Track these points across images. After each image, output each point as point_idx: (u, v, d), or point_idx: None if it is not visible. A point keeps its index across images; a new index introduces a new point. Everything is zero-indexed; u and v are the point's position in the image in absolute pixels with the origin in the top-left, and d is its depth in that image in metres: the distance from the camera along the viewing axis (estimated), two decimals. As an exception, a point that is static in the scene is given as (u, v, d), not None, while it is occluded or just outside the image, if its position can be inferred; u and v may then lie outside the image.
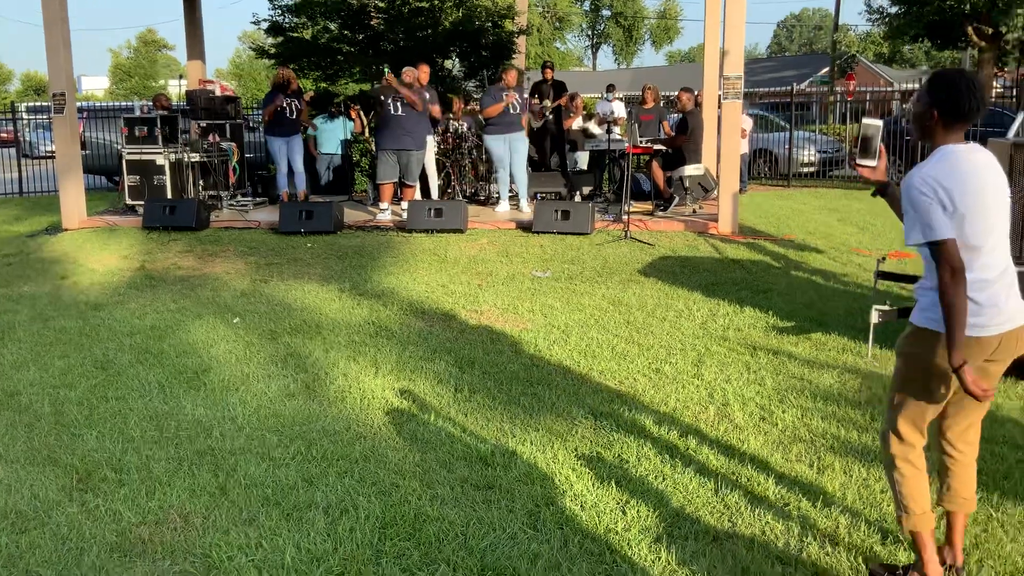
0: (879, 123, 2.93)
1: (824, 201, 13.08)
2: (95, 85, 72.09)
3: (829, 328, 5.97)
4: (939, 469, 2.89)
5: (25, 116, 21.13)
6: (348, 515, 3.37)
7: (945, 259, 2.55)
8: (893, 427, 2.80)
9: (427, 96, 10.39)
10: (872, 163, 2.91)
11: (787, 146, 16.12)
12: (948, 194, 2.57)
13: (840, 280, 7.53)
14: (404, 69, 10.07)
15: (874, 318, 5.18)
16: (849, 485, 3.58)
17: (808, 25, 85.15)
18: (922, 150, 12.00)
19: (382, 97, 9.98)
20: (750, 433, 4.18)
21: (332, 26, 15.73)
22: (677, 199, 10.72)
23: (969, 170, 2.62)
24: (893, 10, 24.62)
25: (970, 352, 2.62)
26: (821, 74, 37.58)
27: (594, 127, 12.82)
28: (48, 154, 16.65)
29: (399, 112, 9.84)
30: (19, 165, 16.15)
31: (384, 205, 10.39)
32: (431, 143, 10.85)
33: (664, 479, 3.68)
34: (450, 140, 11.63)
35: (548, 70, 13.28)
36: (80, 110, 14.93)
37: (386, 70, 10.27)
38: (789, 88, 17.47)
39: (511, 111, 10.21)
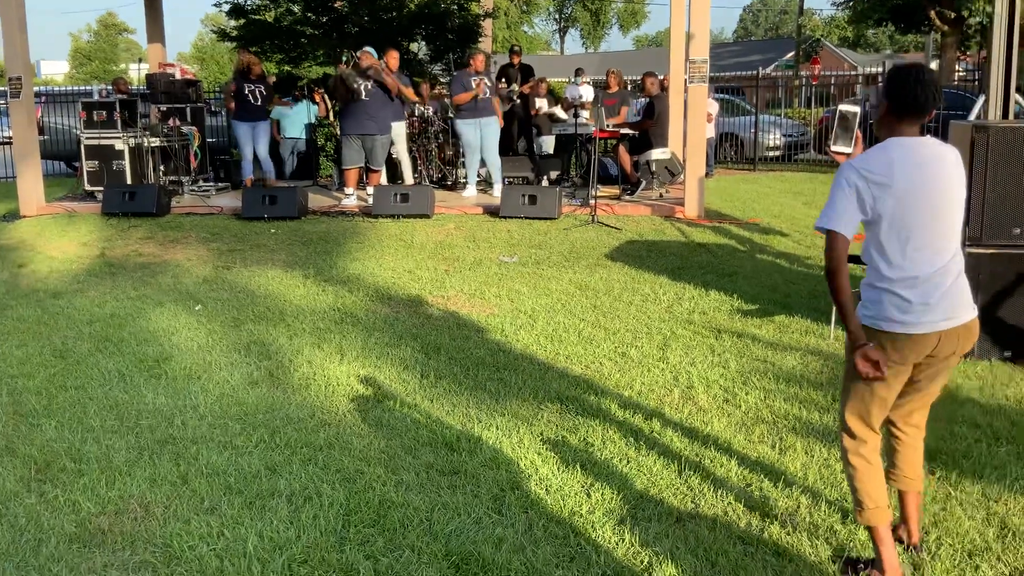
0: (856, 109, 2.91)
1: (789, 185, 13.19)
2: (55, 70, 70.62)
3: (793, 311, 6.03)
4: (886, 449, 2.93)
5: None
6: (311, 502, 3.35)
7: (830, 250, 2.62)
8: (842, 421, 2.83)
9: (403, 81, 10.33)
10: (848, 149, 2.90)
11: (753, 130, 16.22)
12: (879, 186, 2.57)
13: (804, 263, 7.60)
14: (361, 51, 9.95)
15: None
16: (810, 465, 3.62)
17: (774, 10, 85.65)
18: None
19: (349, 82, 9.87)
20: (714, 415, 4.21)
21: (295, 8, 15.53)
22: (644, 183, 10.75)
23: (909, 162, 2.60)
24: (857, -6, 24.84)
25: (902, 349, 2.64)
26: (787, 58, 37.82)
27: (560, 112, 12.80)
28: (5, 140, 16.32)
29: (364, 97, 9.74)
30: (-25, 151, 15.79)
31: (349, 190, 10.30)
32: (402, 128, 10.76)
33: (629, 462, 3.69)
34: (416, 124, 11.55)
35: (515, 55, 13.25)
36: (37, 95, 14.62)
37: (344, 58, 10.16)
38: (755, 72, 17.56)
39: (483, 95, 10.16)
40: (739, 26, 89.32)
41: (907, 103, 2.61)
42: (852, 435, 2.79)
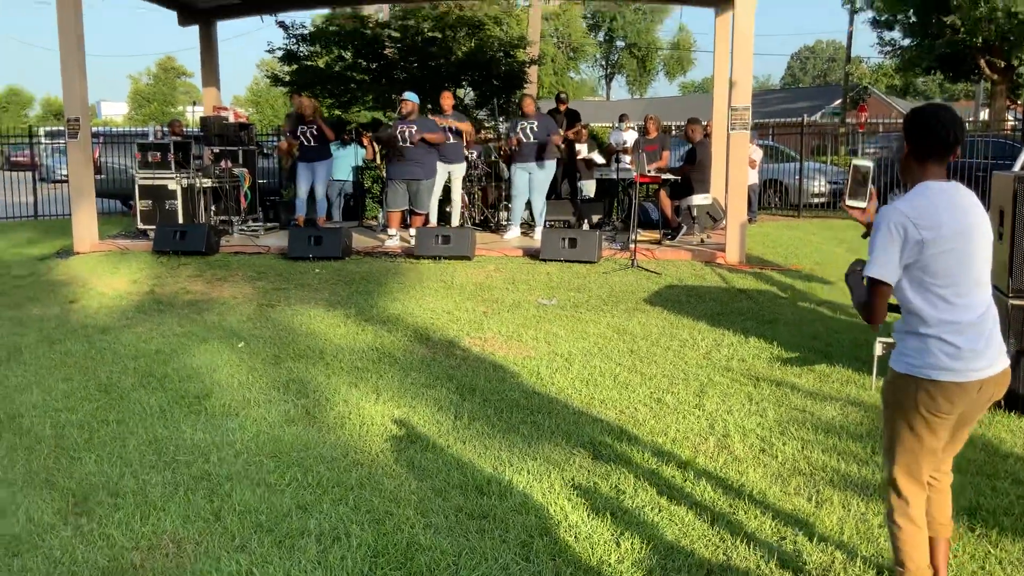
0: (870, 164, 2.90)
1: (834, 232, 13.05)
2: (114, 111, 72.94)
3: (834, 360, 5.94)
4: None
5: (43, 140, 21.41)
6: (340, 543, 3.36)
7: (878, 300, 2.60)
8: (890, 479, 2.74)
9: (454, 124, 10.49)
10: (862, 204, 2.86)
11: (797, 176, 16.12)
12: (920, 232, 2.54)
13: (847, 312, 7.49)
14: (402, 98, 10.14)
15: (878, 350, 5.15)
16: (847, 519, 3.54)
17: (822, 57, 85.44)
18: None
19: (392, 128, 10.07)
20: (749, 465, 4.15)
21: (346, 54, 15.90)
22: (685, 228, 10.73)
23: (947, 207, 2.58)
24: (905, 42, 24.70)
25: (953, 398, 2.59)
26: (834, 106, 37.64)
27: (597, 157, 12.89)
28: (64, 178, 16.87)
29: (408, 143, 9.91)
30: (35, 189, 16.33)
31: (392, 231, 10.45)
32: (462, 170, 10.89)
33: (660, 511, 3.65)
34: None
35: (562, 103, 13.39)
36: (95, 135, 15.12)
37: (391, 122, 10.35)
38: (800, 119, 17.50)
39: (526, 140, 10.28)
40: (786, 73, 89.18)
41: (930, 144, 2.60)
42: (899, 494, 2.71)
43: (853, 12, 32.30)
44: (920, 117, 2.62)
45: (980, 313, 2.61)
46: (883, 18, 24.87)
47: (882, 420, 2.81)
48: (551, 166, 10.58)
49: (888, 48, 25.92)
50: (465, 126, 10.58)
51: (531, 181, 10.45)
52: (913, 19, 23.82)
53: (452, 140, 10.52)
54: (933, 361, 2.58)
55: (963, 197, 2.64)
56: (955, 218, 2.57)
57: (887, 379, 2.75)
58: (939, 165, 2.63)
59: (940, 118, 2.59)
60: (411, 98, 10.16)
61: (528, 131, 10.30)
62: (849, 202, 2.89)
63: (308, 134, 11.11)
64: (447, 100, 10.74)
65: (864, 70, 38.88)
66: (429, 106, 10.68)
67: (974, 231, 2.59)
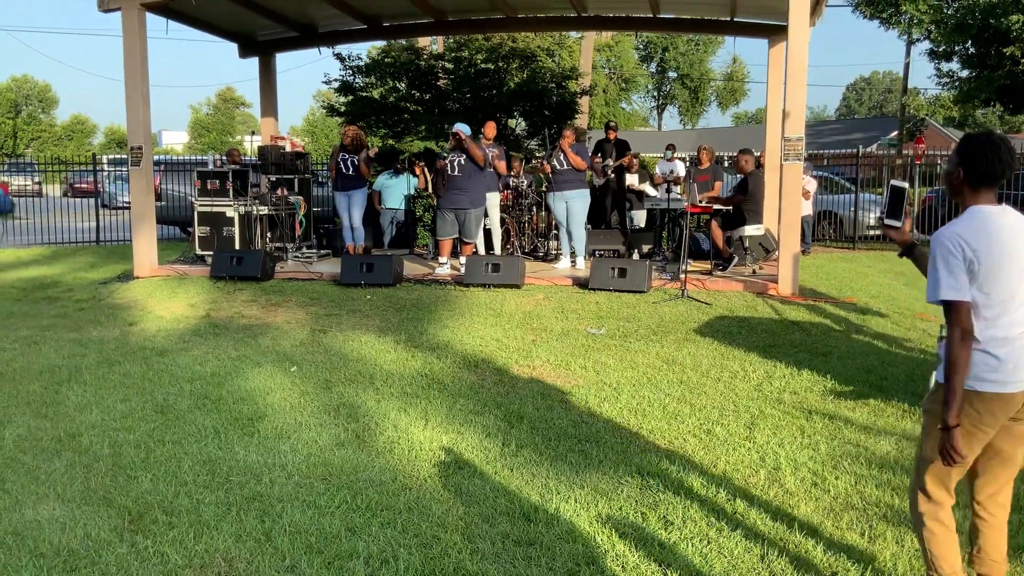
0: (906, 185, 3.02)
1: (889, 264, 12.83)
2: (175, 140, 75.08)
3: (889, 394, 5.83)
4: (970, 531, 2.86)
5: (106, 168, 22.06)
6: (388, 566, 3.39)
7: (956, 320, 2.62)
8: (920, 485, 2.80)
9: (494, 152, 10.58)
10: (898, 223, 2.98)
11: (852, 208, 15.91)
12: (974, 253, 2.62)
13: (902, 345, 7.35)
14: (453, 130, 10.27)
15: (934, 384, 5.04)
16: (900, 555, 3.46)
17: (878, 88, 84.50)
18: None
19: (442, 157, 10.22)
20: (801, 499, 4.09)
21: (400, 85, 16.19)
22: (736, 259, 10.65)
23: (996, 231, 2.66)
24: (963, 74, 24.32)
25: (994, 409, 2.64)
26: (890, 137, 37.15)
27: (649, 189, 12.88)
28: (125, 204, 17.38)
29: (456, 172, 10.03)
30: (98, 215, 16.84)
31: (443, 259, 10.55)
32: (496, 198, 10.97)
33: (709, 543, 3.61)
34: (510, 196, 11.78)
35: (612, 131, 13.40)
36: (157, 163, 15.56)
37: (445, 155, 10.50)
38: (855, 150, 17.31)
39: (561, 168, 10.32)
40: (842, 104, 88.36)
41: (983, 172, 2.68)
42: (929, 497, 2.77)
43: (910, 43, 31.96)
44: (975, 145, 2.70)
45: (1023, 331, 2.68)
46: (940, 49, 24.54)
47: (920, 428, 2.87)
48: (584, 195, 10.52)
49: (946, 80, 25.53)
50: (499, 164, 10.57)
51: (567, 211, 10.46)
52: (971, 50, 23.47)
53: (488, 169, 10.62)
54: (976, 373, 2.67)
55: (1013, 220, 2.71)
56: (1003, 241, 2.65)
57: (931, 391, 2.82)
58: (990, 190, 2.72)
59: (995, 146, 2.67)
60: (462, 128, 10.29)
61: (565, 159, 10.34)
62: (887, 220, 3.02)
63: (348, 163, 11.30)
64: (490, 130, 10.85)
65: (921, 101, 38.34)
66: (481, 135, 10.82)
67: (1020, 250, 2.67)
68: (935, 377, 2.79)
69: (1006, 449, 2.74)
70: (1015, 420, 2.69)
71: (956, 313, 2.63)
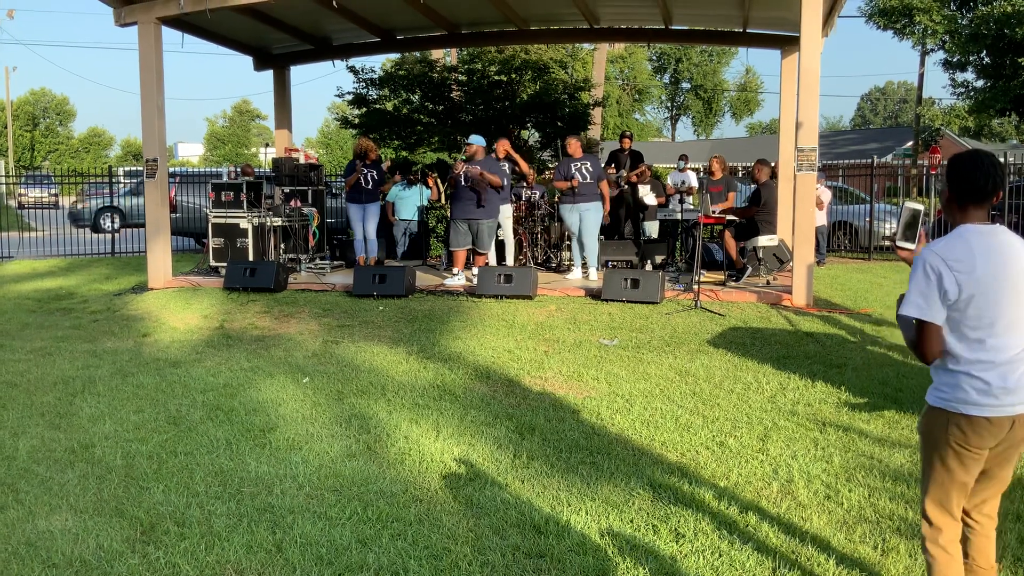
0: (921, 207, 3.00)
1: (905, 275, 12.72)
2: (191, 152, 75.63)
3: (904, 406, 5.78)
4: (960, 541, 2.82)
5: (122, 180, 22.23)
6: (398, 578, 3.38)
7: (925, 339, 2.65)
8: (922, 509, 2.80)
9: (502, 168, 10.59)
10: (912, 246, 2.95)
11: (867, 218, 15.84)
12: (954, 275, 2.59)
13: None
14: (467, 141, 10.28)
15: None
16: (913, 569, 3.43)
17: (893, 99, 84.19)
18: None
19: (454, 170, 10.26)
20: (813, 511, 4.06)
21: (414, 97, 16.27)
22: (750, 270, 10.61)
23: (983, 251, 2.63)
24: (979, 84, 24.21)
25: (981, 432, 2.63)
26: (905, 147, 36.99)
27: (650, 198, 12.88)
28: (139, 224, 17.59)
29: (469, 183, 10.05)
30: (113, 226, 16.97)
31: (456, 271, 10.57)
32: (508, 211, 10.96)
33: (720, 556, 3.58)
34: (522, 208, 11.79)
35: (626, 139, 13.35)
36: (172, 175, 15.68)
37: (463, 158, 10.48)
38: (870, 161, 17.25)
39: (582, 179, 10.32)
40: (856, 114, 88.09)
41: (968, 190, 2.66)
42: (930, 523, 2.76)
43: (924, 53, 31.84)
44: (959, 164, 2.69)
45: (1014, 354, 2.64)
46: (955, 59, 24.44)
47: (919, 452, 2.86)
48: (598, 208, 10.46)
49: (961, 90, 25.42)
50: (494, 179, 10.29)
51: (580, 222, 10.44)
52: (986, 60, 23.37)
53: (590, 181, 10.60)
54: (963, 396, 2.65)
55: (1002, 240, 2.67)
56: (990, 261, 2.62)
57: (923, 412, 2.81)
58: (979, 209, 2.69)
59: (979, 165, 2.65)
60: (477, 142, 10.31)
61: (586, 171, 10.34)
62: (899, 243, 2.98)
63: (369, 176, 11.34)
64: (501, 146, 10.87)
65: (936, 112, 38.14)
66: (492, 153, 10.82)
67: (1011, 274, 2.63)
68: (926, 399, 2.80)
69: (992, 469, 2.74)
70: (1004, 442, 2.67)
71: (922, 331, 2.65)
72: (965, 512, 2.83)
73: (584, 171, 10.34)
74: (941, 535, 2.74)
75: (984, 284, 2.60)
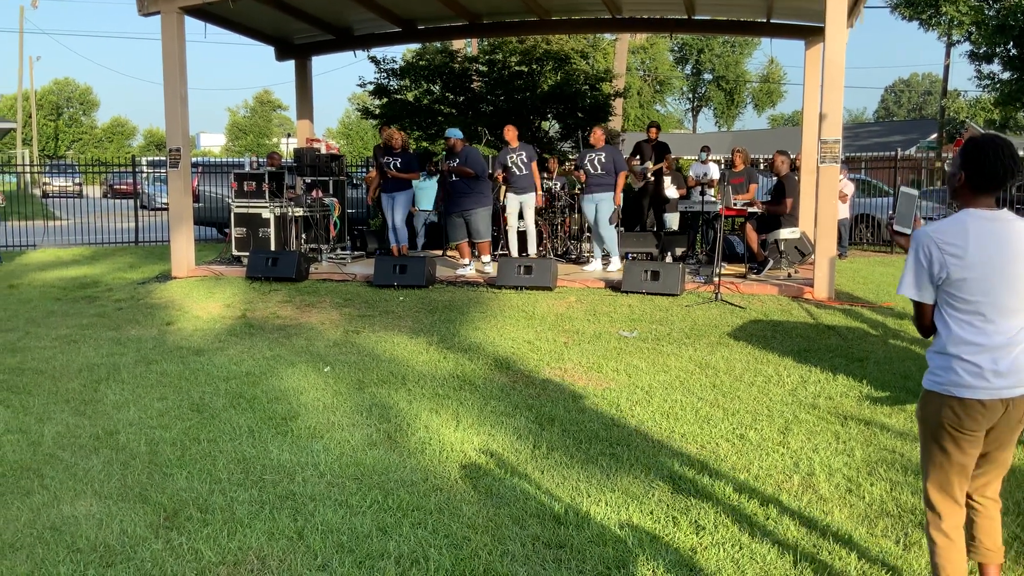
0: (915, 192, 3.01)
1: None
2: (212, 142, 76.07)
3: (926, 400, 5.73)
4: (966, 523, 2.84)
5: (145, 170, 22.40)
6: (419, 566, 3.40)
7: (920, 316, 2.75)
8: (925, 495, 2.82)
9: (523, 155, 10.61)
10: (907, 230, 2.99)
11: (890, 211, 15.70)
12: (948, 257, 2.62)
13: (941, 350, 7.23)
14: (446, 135, 10.43)
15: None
16: (937, 565, 3.41)
17: (917, 91, 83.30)
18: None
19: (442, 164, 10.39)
20: (835, 505, 4.04)
21: (435, 88, 16.27)
22: (771, 262, 10.55)
23: (980, 235, 2.63)
24: (1005, 76, 23.89)
25: (975, 415, 2.65)
26: (929, 139, 36.59)
27: (672, 191, 12.81)
28: (164, 206, 17.67)
29: (455, 177, 10.16)
30: (137, 216, 17.10)
31: (465, 261, 10.61)
32: (532, 199, 10.90)
33: (741, 548, 3.58)
34: (543, 199, 11.77)
35: (654, 129, 13.11)
36: (195, 165, 15.77)
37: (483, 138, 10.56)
38: (893, 153, 17.09)
39: (594, 171, 10.29)
40: (880, 106, 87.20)
41: (984, 176, 2.65)
42: (932, 508, 2.78)
43: (950, 45, 31.47)
44: (977, 148, 2.68)
45: (1009, 338, 2.65)
46: (981, 51, 24.12)
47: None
48: (610, 198, 10.35)
49: (987, 82, 25.08)
50: (465, 170, 10.19)
51: (596, 212, 10.41)
52: (1013, 52, 23.05)
53: (524, 172, 10.64)
54: (956, 379, 2.68)
55: (1005, 226, 2.66)
56: (987, 245, 2.62)
57: (920, 397, 2.82)
58: (988, 195, 2.70)
59: (999, 149, 2.64)
60: (454, 135, 10.39)
61: (596, 163, 10.30)
62: (896, 227, 3.03)
63: (393, 165, 11.36)
64: (508, 134, 10.87)
65: (961, 104, 37.71)
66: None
67: (1005, 256, 2.63)
68: (922, 383, 2.81)
69: (992, 452, 2.77)
70: (1000, 425, 2.69)
71: (917, 308, 2.76)
72: (969, 495, 2.84)
73: (596, 163, 10.30)
74: (943, 521, 2.75)
75: (977, 269, 2.61)
